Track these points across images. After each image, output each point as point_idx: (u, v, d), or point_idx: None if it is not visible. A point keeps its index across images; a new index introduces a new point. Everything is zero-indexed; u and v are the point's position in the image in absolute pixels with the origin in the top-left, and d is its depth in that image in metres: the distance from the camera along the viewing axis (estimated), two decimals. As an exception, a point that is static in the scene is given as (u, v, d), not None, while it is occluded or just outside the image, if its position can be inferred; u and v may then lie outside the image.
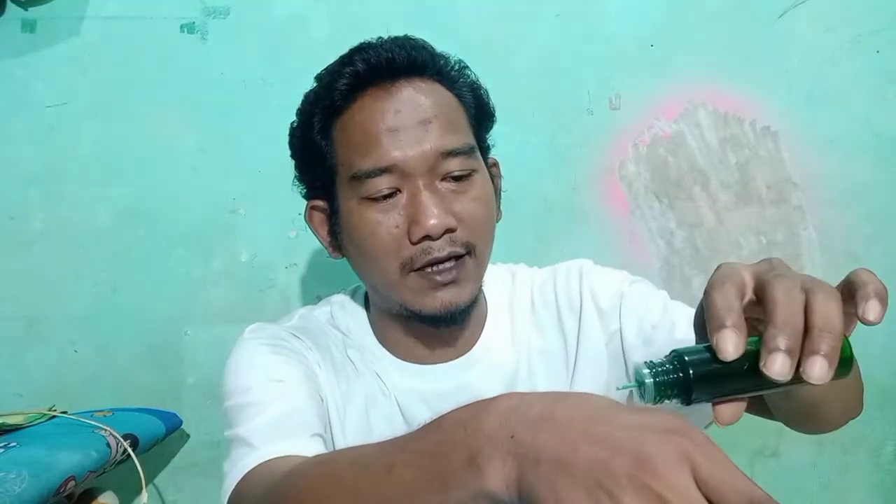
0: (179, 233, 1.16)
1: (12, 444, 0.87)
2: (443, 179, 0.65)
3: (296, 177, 0.76)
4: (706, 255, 1.22)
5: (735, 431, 1.34)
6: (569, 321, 0.75)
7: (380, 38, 0.69)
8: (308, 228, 0.76)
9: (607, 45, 1.20)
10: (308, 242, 1.17)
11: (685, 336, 0.68)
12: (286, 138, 1.16)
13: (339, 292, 0.82)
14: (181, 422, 1.13)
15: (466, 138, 0.67)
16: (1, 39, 1.14)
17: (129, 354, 1.15)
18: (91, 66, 1.15)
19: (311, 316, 0.78)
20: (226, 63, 1.16)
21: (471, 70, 0.73)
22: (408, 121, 0.64)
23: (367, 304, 0.78)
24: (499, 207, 0.74)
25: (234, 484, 0.57)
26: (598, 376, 0.72)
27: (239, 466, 0.58)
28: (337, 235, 0.71)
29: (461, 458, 0.37)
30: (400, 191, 0.65)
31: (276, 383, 0.66)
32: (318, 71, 0.73)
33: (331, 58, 1.17)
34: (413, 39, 0.69)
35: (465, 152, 0.66)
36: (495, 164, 0.76)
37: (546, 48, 1.19)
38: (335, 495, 0.45)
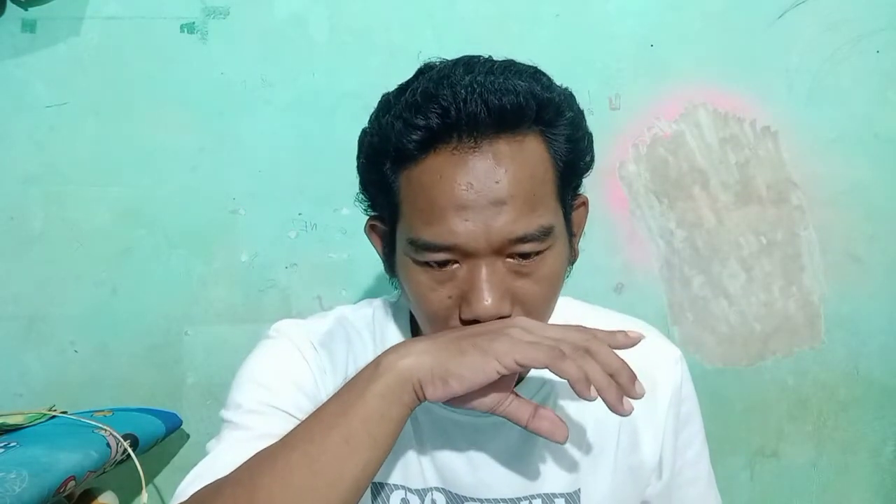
0: (179, 233, 1.16)
1: (12, 444, 0.87)
2: (509, 257, 0.58)
3: (360, 190, 0.68)
4: (706, 255, 1.22)
5: (734, 431, 1.34)
6: (645, 405, 0.70)
7: (470, 72, 0.58)
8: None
9: (607, 45, 1.20)
10: (308, 242, 1.17)
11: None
12: (286, 138, 1.17)
13: (385, 297, 0.78)
14: (181, 422, 1.13)
15: (543, 219, 0.58)
16: (1, 39, 1.14)
17: (129, 354, 1.16)
18: (91, 66, 1.15)
19: (348, 320, 0.74)
20: (226, 63, 1.16)
21: (575, 103, 0.63)
22: (479, 199, 0.56)
23: (412, 317, 0.73)
24: (574, 246, 0.66)
25: (179, 501, 0.57)
26: (634, 475, 0.72)
27: (189, 488, 0.57)
28: (393, 265, 0.66)
29: (370, 368, 0.55)
30: (458, 263, 0.59)
31: (270, 410, 0.64)
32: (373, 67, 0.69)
33: (331, 58, 1.18)
34: (506, 80, 0.57)
35: (538, 238, 0.58)
36: (584, 204, 0.67)
37: (546, 48, 1.19)
38: (269, 453, 0.54)
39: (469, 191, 0.56)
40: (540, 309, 0.61)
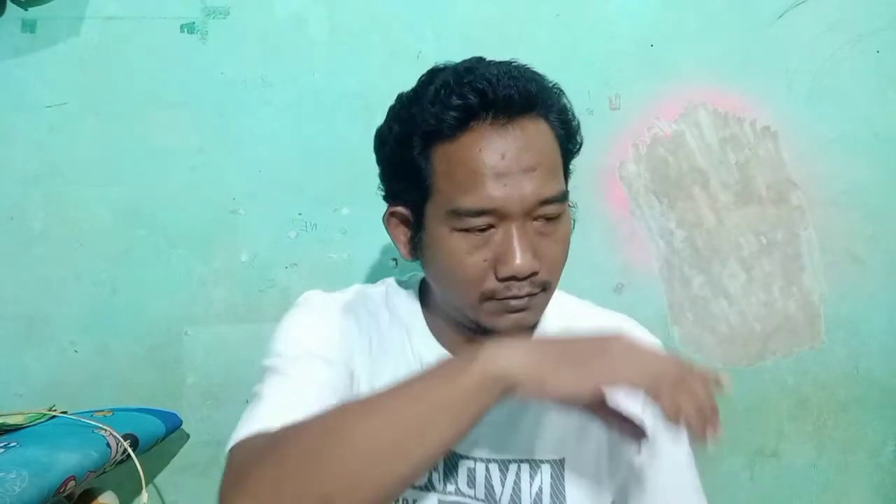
0: (179, 233, 1.16)
1: (12, 444, 0.87)
2: (534, 219, 0.68)
3: (380, 181, 0.76)
4: (706, 255, 1.22)
5: (734, 431, 1.34)
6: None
7: (490, 64, 0.68)
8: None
9: (607, 45, 1.20)
10: (308, 242, 1.17)
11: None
12: (286, 138, 1.17)
13: (394, 277, 0.84)
14: (181, 422, 1.13)
15: (561, 185, 0.70)
16: (1, 39, 1.14)
17: (129, 354, 1.15)
18: (91, 66, 1.15)
19: (365, 293, 0.81)
20: (226, 63, 1.16)
21: (564, 95, 0.73)
22: (514, 166, 0.65)
23: (421, 294, 0.80)
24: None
25: (235, 442, 0.62)
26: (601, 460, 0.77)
27: (244, 430, 0.62)
28: (416, 246, 0.73)
29: (467, 357, 0.55)
30: (494, 227, 0.67)
31: (312, 357, 0.70)
32: (412, 69, 0.73)
33: (331, 58, 1.18)
34: (523, 70, 0.69)
35: (559, 200, 0.68)
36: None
37: (546, 48, 1.19)
38: (347, 413, 0.56)
39: (504, 159, 0.65)
40: (558, 267, 0.71)
